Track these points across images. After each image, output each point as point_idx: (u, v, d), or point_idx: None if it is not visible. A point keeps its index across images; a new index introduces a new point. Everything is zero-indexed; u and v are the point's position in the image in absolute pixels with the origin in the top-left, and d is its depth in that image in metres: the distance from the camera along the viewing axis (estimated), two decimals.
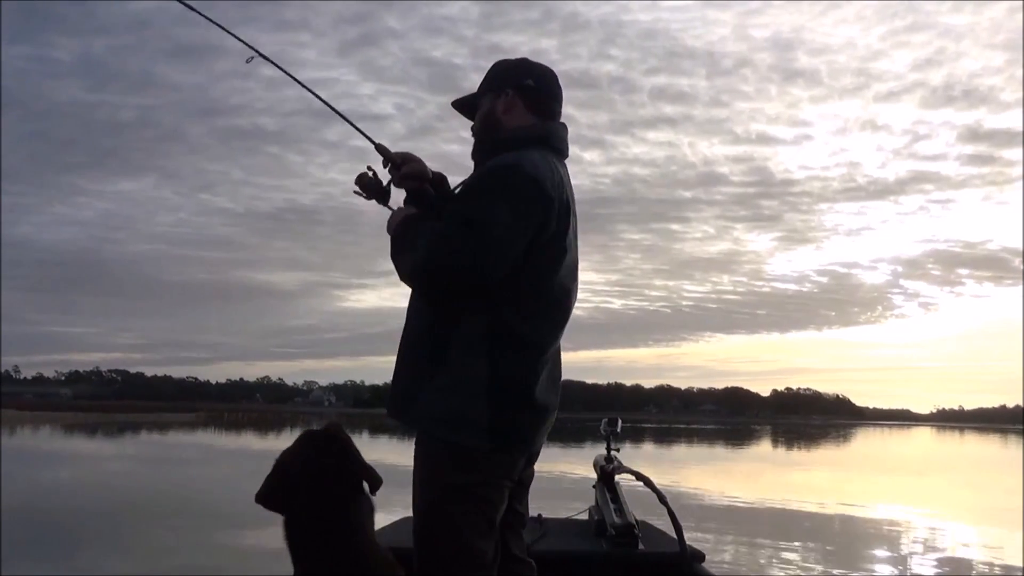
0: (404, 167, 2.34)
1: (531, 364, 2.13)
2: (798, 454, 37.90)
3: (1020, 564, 9.07)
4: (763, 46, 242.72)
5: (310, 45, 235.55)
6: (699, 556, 3.11)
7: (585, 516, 3.74)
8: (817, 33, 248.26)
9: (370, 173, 2.33)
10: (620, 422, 4.25)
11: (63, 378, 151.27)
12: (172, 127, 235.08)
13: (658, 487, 3.14)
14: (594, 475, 3.95)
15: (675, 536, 2.99)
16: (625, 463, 3.85)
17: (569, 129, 2.35)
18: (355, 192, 2.34)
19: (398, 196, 2.36)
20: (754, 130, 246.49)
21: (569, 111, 2.40)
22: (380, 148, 2.37)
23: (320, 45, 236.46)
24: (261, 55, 2.39)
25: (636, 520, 3.33)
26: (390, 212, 2.29)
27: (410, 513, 2.14)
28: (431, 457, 2.11)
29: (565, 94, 2.36)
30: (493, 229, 2.01)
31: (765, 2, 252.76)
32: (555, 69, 2.34)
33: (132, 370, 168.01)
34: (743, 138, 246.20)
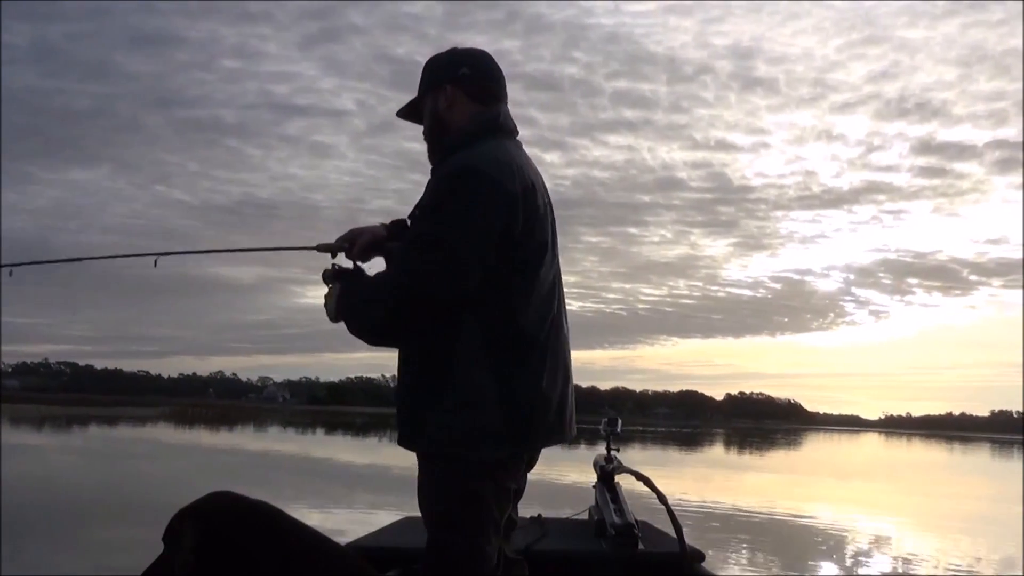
0: (356, 246, 2.27)
1: (532, 360, 2.10)
2: (760, 459, 38.31)
3: (967, 567, 9.35)
4: (723, 54, 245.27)
5: (271, 38, 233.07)
6: (699, 556, 3.11)
7: (585, 516, 3.73)
8: (776, 43, 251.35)
9: (331, 267, 2.25)
10: (620, 422, 4.22)
11: (10, 369, 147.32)
12: (129, 117, 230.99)
13: (658, 487, 3.18)
14: (594, 475, 3.97)
15: (675, 536, 3.03)
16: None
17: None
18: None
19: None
20: (713, 137, 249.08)
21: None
22: (321, 248, 2.29)
23: (281, 39, 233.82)
24: None
25: (636, 520, 3.31)
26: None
27: (408, 513, 2.13)
28: (446, 472, 2.08)
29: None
30: (457, 245, 1.96)
31: (726, 11, 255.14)
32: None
33: (82, 362, 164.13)
34: (702, 144, 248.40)
